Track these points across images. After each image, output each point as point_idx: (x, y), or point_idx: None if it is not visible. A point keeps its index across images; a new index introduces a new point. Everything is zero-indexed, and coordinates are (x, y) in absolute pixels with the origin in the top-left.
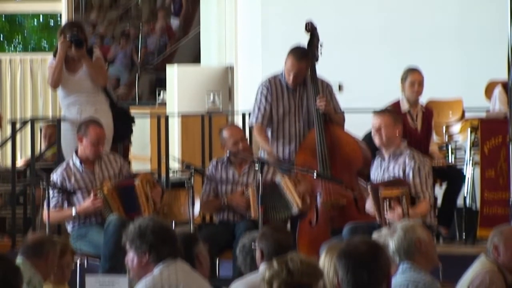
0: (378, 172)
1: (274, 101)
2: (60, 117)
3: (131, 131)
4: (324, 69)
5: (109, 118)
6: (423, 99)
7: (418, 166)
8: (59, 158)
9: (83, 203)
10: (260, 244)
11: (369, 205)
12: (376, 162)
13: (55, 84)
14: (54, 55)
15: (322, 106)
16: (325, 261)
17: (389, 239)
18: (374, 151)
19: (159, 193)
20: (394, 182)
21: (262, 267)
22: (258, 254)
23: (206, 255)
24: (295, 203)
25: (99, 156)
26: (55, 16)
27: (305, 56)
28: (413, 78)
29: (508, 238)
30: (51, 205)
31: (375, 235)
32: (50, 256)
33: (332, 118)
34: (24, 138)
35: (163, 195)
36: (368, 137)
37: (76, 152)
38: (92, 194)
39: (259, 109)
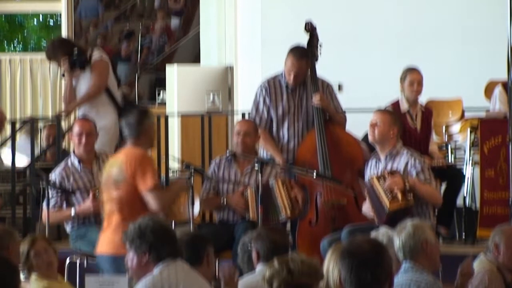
0: (375, 172)
1: (273, 102)
2: (60, 117)
3: None
4: (324, 69)
5: (111, 119)
6: (422, 99)
7: (419, 163)
8: (58, 158)
9: (83, 204)
10: (256, 244)
11: (366, 208)
12: (371, 162)
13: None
14: (63, 75)
15: (317, 101)
16: (331, 260)
17: (396, 235)
18: (373, 151)
19: None
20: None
21: (259, 267)
22: (254, 255)
23: (213, 259)
24: (283, 210)
25: (91, 153)
26: (55, 16)
27: (305, 55)
28: (412, 77)
29: (509, 237)
30: (50, 205)
31: (373, 234)
32: (11, 247)
33: (333, 118)
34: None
35: None
36: (368, 137)
37: (74, 151)
38: (91, 195)
39: (256, 110)
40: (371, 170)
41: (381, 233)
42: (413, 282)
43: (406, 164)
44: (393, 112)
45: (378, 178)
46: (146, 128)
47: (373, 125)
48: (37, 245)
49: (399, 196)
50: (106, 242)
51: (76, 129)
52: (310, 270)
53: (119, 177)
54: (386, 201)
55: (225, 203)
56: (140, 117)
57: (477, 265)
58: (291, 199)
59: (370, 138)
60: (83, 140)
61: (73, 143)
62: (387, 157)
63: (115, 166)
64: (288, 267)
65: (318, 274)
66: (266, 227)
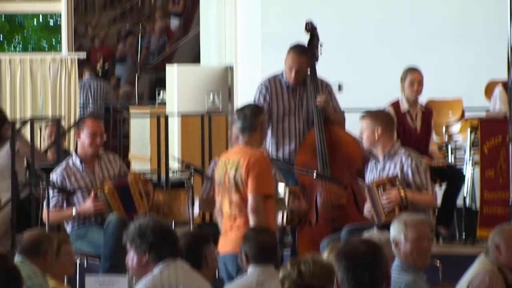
0: (374, 173)
1: (273, 101)
2: (60, 117)
3: None
4: (324, 69)
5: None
6: (422, 99)
7: (415, 163)
8: (58, 158)
9: (84, 203)
10: (244, 247)
11: (367, 209)
12: (371, 164)
13: None
14: None
15: (320, 102)
16: (328, 261)
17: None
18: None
19: (151, 188)
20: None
21: (250, 269)
22: (243, 257)
23: (215, 257)
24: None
25: (98, 153)
26: (55, 16)
27: (305, 51)
28: (412, 77)
29: (510, 237)
30: (51, 204)
31: (366, 235)
32: (49, 253)
33: (331, 118)
34: None
35: (154, 192)
36: None
37: (76, 151)
38: (92, 194)
39: None
40: (371, 171)
41: (375, 234)
42: (396, 284)
43: (403, 165)
44: (372, 112)
45: (378, 186)
46: (261, 122)
47: (361, 133)
48: (68, 245)
49: (396, 210)
50: (230, 242)
51: (89, 129)
52: (322, 272)
53: (239, 180)
54: (382, 212)
55: None
56: (256, 111)
57: (477, 265)
58: (292, 211)
59: (364, 146)
60: (97, 140)
61: (82, 143)
62: (385, 157)
63: (233, 168)
64: (299, 269)
65: (331, 276)
66: (254, 228)
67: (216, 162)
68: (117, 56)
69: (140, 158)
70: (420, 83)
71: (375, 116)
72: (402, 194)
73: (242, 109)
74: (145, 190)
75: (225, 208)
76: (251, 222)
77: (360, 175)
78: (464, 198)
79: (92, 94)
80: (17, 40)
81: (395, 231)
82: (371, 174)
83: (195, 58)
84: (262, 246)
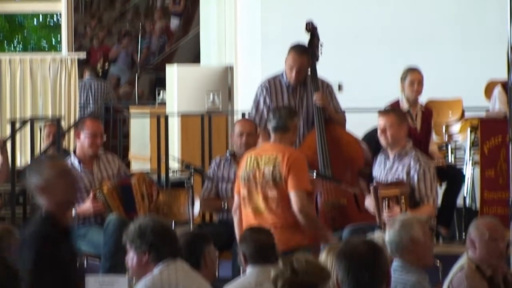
0: (382, 170)
1: (273, 101)
2: (60, 116)
3: None
4: (324, 69)
5: None
6: (422, 99)
7: (423, 170)
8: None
9: (83, 204)
10: (242, 247)
11: (369, 202)
12: (380, 158)
13: None
14: None
15: (318, 100)
16: (327, 261)
17: (388, 230)
18: (374, 151)
19: (155, 191)
20: (396, 184)
21: (248, 269)
22: (241, 258)
23: (214, 258)
24: None
25: (97, 154)
26: (55, 16)
27: (306, 51)
28: (412, 77)
29: (483, 231)
30: None
31: (368, 237)
32: (13, 246)
33: (332, 117)
34: (23, 138)
35: (159, 194)
36: (368, 137)
37: (74, 152)
38: (91, 195)
39: (256, 110)
40: (379, 166)
41: (376, 236)
42: (399, 284)
43: (410, 169)
44: (397, 110)
45: (383, 198)
46: (294, 125)
47: (383, 131)
48: None
49: None
50: None
51: (89, 130)
52: (315, 270)
53: (277, 176)
54: (382, 223)
55: (226, 207)
56: (291, 113)
57: (459, 262)
58: None
59: (383, 143)
60: (97, 141)
61: (81, 143)
62: (395, 157)
63: (269, 164)
64: (292, 267)
65: (324, 274)
66: (251, 228)
67: (217, 162)
68: (109, 56)
69: (140, 158)
70: (420, 83)
71: (400, 113)
72: (404, 212)
73: (278, 109)
74: (148, 192)
75: (258, 203)
76: (301, 220)
77: (362, 175)
78: (464, 198)
79: (93, 94)
80: (17, 40)
81: None
82: (379, 169)
83: (195, 58)
84: (260, 246)
